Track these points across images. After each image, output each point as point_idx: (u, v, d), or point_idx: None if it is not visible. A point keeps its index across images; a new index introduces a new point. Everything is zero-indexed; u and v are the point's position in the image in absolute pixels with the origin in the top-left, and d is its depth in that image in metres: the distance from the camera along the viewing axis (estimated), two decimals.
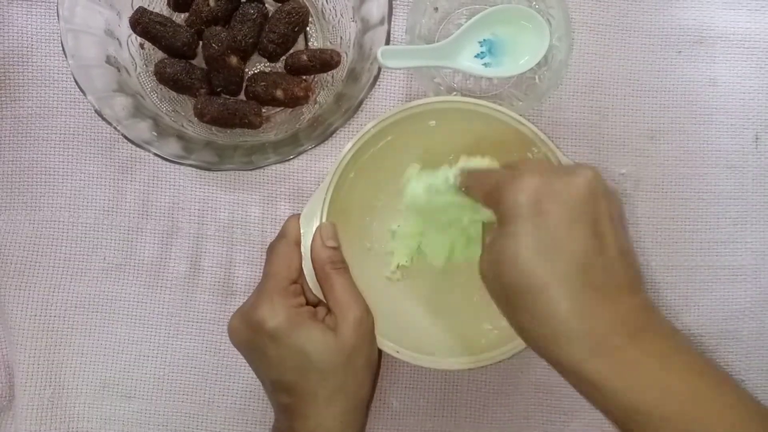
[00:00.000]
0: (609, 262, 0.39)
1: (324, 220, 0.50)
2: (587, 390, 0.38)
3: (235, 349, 0.51)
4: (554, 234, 0.38)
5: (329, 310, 0.50)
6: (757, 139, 0.58)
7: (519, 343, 0.49)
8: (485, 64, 0.53)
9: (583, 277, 0.38)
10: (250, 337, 0.48)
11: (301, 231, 0.51)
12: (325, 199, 0.50)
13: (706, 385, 0.37)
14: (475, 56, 0.53)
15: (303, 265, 0.50)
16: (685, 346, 0.39)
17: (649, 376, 0.37)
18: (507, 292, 0.39)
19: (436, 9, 0.56)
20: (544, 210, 0.38)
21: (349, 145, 0.50)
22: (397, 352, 0.50)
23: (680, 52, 0.57)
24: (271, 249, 0.52)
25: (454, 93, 0.56)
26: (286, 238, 0.51)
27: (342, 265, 0.50)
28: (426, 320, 0.54)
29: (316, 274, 0.50)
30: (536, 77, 0.55)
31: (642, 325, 0.38)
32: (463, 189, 0.46)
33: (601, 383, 0.37)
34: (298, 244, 0.51)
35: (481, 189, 0.43)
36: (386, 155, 0.52)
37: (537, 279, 0.38)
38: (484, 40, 0.53)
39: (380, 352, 0.51)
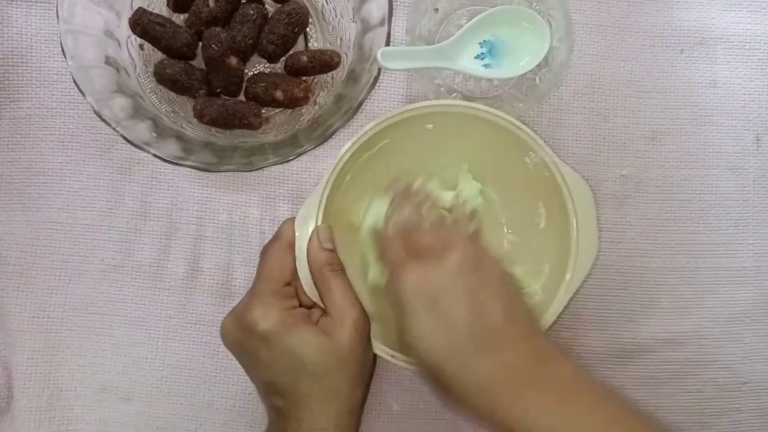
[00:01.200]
0: (492, 321, 0.43)
1: (320, 222, 0.50)
2: None
3: (233, 355, 0.51)
4: (438, 315, 0.43)
5: (324, 313, 0.50)
6: (758, 140, 0.58)
7: None
8: (485, 66, 0.53)
9: (474, 343, 0.42)
10: (243, 338, 0.48)
11: (297, 233, 0.50)
12: (320, 201, 0.50)
13: (603, 420, 0.41)
14: (476, 57, 0.53)
15: (298, 268, 0.50)
16: (584, 383, 0.43)
17: (547, 419, 0.40)
18: (422, 373, 0.45)
19: (437, 10, 0.56)
20: (426, 293, 0.43)
21: (346, 147, 0.50)
22: (392, 356, 0.50)
23: (681, 53, 0.57)
24: (265, 251, 0.51)
25: (455, 94, 0.56)
26: (280, 240, 0.51)
27: (339, 268, 0.50)
28: None
29: (313, 277, 0.50)
30: (537, 78, 0.55)
31: (537, 369, 0.42)
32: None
33: (509, 427, 0.41)
34: (291, 246, 0.51)
35: (381, 257, 0.50)
36: (383, 158, 0.52)
37: (436, 358, 0.43)
38: (485, 41, 0.53)
39: (374, 354, 0.50)
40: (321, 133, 0.50)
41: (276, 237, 0.52)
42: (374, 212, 0.53)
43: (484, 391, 0.42)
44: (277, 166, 0.56)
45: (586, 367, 0.55)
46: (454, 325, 0.43)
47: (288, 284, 0.50)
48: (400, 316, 0.44)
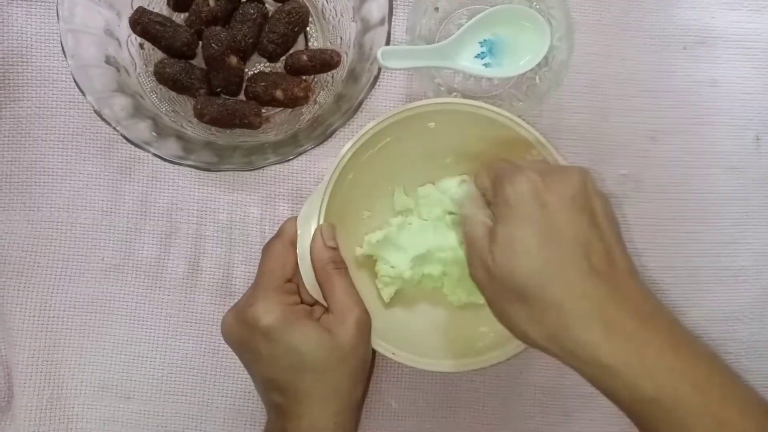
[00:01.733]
0: (609, 248, 0.40)
1: (322, 220, 0.50)
2: (601, 376, 0.38)
3: (232, 350, 0.51)
4: (556, 223, 0.39)
5: (325, 310, 0.50)
6: (758, 139, 0.58)
7: (516, 346, 0.49)
8: (486, 65, 0.53)
9: (588, 262, 0.39)
10: (244, 334, 0.48)
11: (299, 232, 0.50)
12: (323, 199, 0.50)
13: (718, 377, 0.38)
14: (476, 56, 0.53)
15: (300, 266, 0.50)
16: (690, 333, 0.40)
17: (663, 361, 0.37)
18: (518, 286, 0.39)
19: (437, 9, 0.56)
20: (544, 202, 0.40)
21: (348, 146, 0.50)
22: (393, 354, 0.50)
23: (681, 52, 0.57)
24: (267, 248, 0.52)
25: (455, 93, 0.56)
26: (282, 237, 0.51)
27: (343, 266, 0.50)
28: (422, 323, 0.54)
29: (316, 275, 0.50)
30: (537, 78, 0.55)
31: (650, 310, 0.39)
32: (473, 179, 0.47)
33: (618, 368, 0.37)
34: (293, 243, 0.51)
35: (488, 176, 0.44)
36: (385, 156, 0.52)
37: (550, 265, 0.38)
38: (485, 40, 0.53)
39: (374, 352, 0.51)
40: (321, 132, 0.50)
41: (278, 234, 0.52)
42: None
43: (596, 315, 0.37)
44: (277, 165, 0.56)
45: None
46: (571, 240, 0.39)
47: (289, 281, 0.51)
48: (505, 221, 0.40)
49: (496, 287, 0.41)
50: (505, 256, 0.40)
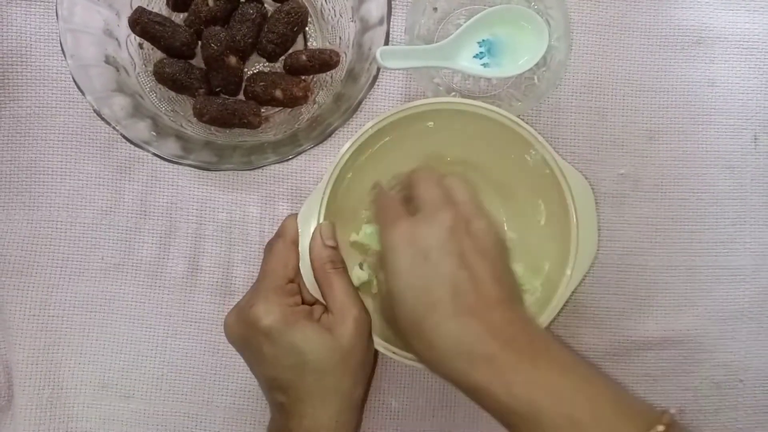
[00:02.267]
0: (478, 286, 0.43)
1: (321, 220, 0.50)
2: (475, 397, 0.42)
3: (233, 348, 0.51)
4: (425, 269, 0.43)
5: (325, 310, 0.50)
6: (755, 139, 0.58)
7: None
8: (484, 65, 0.53)
9: (454, 302, 0.42)
10: (246, 334, 0.49)
11: (299, 230, 0.51)
12: (322, 199, 0.50)
13: (571, 381, 0.41)
14: (474, 56, 0.53)
15: (300, 265, 0.50)
16: (557, 348, 0.43)
17: (520, 376, 0.40)
18: (401, 328, 0.44)
19: (436, 9, 0.56)
20: (414, 253, 0.44)
21: (347, 145, 0.50)
22: (393, 353, 0.50)
23: (679, 52, 0.58)
24: (269, 248, 0.52)
25: (453, 93, 0.56)
26: (284, 237, 0.51)
27: (341, 266, 0.50)
28: None
29: (315, 274, 0.50)
30: (535, 77, 0.55)
31: (513, 334, 0.42)
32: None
33: (483, 388, 0.41)
34: (295, 243, 0.51)
35: (375, 215, 0.50)
36: (384, 156, 0.52)
37: (419, 312, 0.43)
38: (483, 40, 0.53)
39: (376, 351, 0.51)
40: (320, 132, 0.50)
41: (279, 234, 0.52)
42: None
43: (461, 349, 0.42)
44: (276, 165, 0.56)
45: None
46: (439, 282, 0.43)
47: (291, 281, 0.51)
48: (387, 268, 0.45)
49: (389, 324, 0.46)
50: (390, 297, 0.44)
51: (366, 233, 0.53)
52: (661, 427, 0.39)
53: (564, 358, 0.42)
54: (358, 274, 0.52)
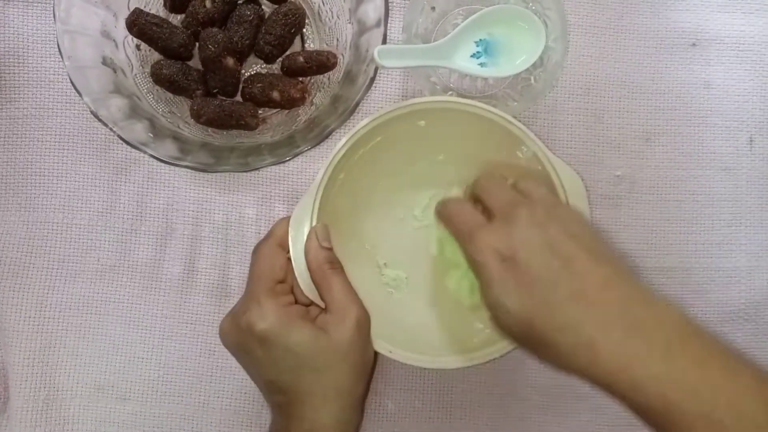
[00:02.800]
0: (578, 269, 0.41)
1: (315, 221, 0.50)
2: (606, 391, 0.39)
3: (232, 356, 0.51)
4: (518, 272, 0.41)
5: (322, 310, 0.50)
6: (751, 141, 0.58)
7: (511, 342, 0.49)
8: (481, 64, 0.53)
9: (557, 294, 0.40)
10: (241, 340, 0.49)
11: (292, 233, 0.50)
12: (315, 200, 0.50)
13: (710, 374, 0.37)
14: (471, 56, 0.53)
15: (295, 267, 0.50)
16: (691, 331, 0.39)
17: (651, 371, 0.37)
18: (514, 337, 0.43)
19: (433, 8, 0.56)
20: (503, 257, 0.42)
21: (339, 146, 0.50)
22: (390, 352, 0.50)
23: (675, 54, 0.58)
24: (255, 251, 0.52)
25: (450, 92, 0.56)
26: (270, 238, 0.51)
27: (339, 266, 0.51)
28: (418, 320, 0.54)
29: (312, 275, 0.50)
30: (532, 78, 0.55)
31: (637, 316, 0.39)
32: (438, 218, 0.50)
33: (610, 383, 0.38)
34: (282, 244, 0.51)
35: (451, 230, 0.48)
36: (376, 156, 0.52)
37: (524, 316, 0.41)
38: (481, 40, 0.53)
39: (376, 352, 0.51)
40: (318, 133, 0.50)
41: (266, 236, 0.52)
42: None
43: (579, 342, 0.39)
44: (273, 166, 0.56)
45: None
46: (536, 279, 0.41)
47: (281, 281, 0.51)
48: (481, 281, 0.43)
49: (513, 338, 0.44)
50: (493, 310, 0.43)
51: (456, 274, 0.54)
52: None
53: (702, 345, 0.39)
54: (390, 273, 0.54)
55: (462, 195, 0.55)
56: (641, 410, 0.38)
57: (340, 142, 0.50)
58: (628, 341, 0.38)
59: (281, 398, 0.48)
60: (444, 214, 0.49)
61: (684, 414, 0.36)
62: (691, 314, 0.57)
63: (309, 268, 0.50)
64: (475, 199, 0.49)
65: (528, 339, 0.41)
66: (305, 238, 0.50)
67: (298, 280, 0.50)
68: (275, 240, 0.51)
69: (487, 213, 0.46)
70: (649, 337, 0.38)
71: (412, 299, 0.55)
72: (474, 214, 0.47)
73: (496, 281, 0.42)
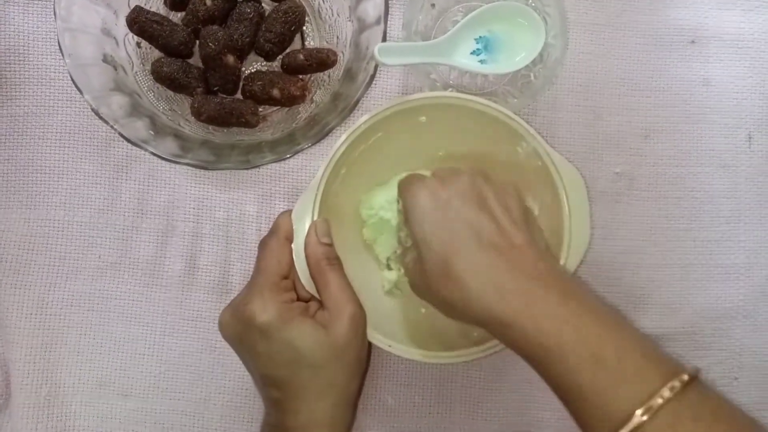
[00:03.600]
0: (500, 227, 0.45)
1: (316, 216, 0.51)
2: (503, 332, 0.42)
3: (230, 347, 0.51)
4: (449, 216, 0.45)
5: (321, 306, 0.50)
6: (750, 138, 0.58)
7: None
8: (481, 61, 0.53)
9: (481, 241, 0.44)
10: (241, 331, 0.49)
11: (293, 227, 0.51)
12: (316, 195, 0.51)
13: (600, 322, 0.41)
14: (471, 53, 0.53)
15: (295, 262, 0.50)
16: (585, 291, 0.44)
17: (549, 310, 0.41)
18: (429, 276, 0.45)
19: (433, 5, 0.56)
20: (438, 198, 0.46)
21: (340, 141, 0.50)
22: (389, 346, 0.50)
23: (674, 51, 0.58)
24: (263, 245, 0.52)
25: (450, 89, 0.56)
26: (277, 234, 0.51)
27: (337, 262, 0.51)
28: (417, 315, 0.54)
29: (310, 270, 0.50)
30: (531, 75, 0.55)
31: (542, 272, 0.43)
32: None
33: (512, 322, 0.41)
34: (289, 239, 0.51)
35: (399, 192, 0.50)
36: (377, 151, 0.53)
37: (446, 253, 0.44)
38: (481, 37, 0.53)
39: (370, 346, 0.51)
40: (318, 131, 0.50)
41: (273, 230, 0.52)
42: (381, 200, 0.54)
43: (490, 282, 0.42)
44: (274, 164, 0.56)
45: None
46: (464, 226, 0.44)
47: (286, 277, 0.51)
48: (414, 219, 0.46)
49: (416, 284, 0.47)
50: (418, 246, 0.45)
51: (375, 205, 0.53)
52: (685, 376, 0.39)
53: (593, 302, 0.43)
54: (388, 276, 0.53)
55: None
56: (535, 347, 0.41)
57: (341, 137, 0.51)
58: (531, 286, 0.42)
59: (276, 392, 0.48)
60: (402, 181, 0.51)
61: (575, 351, 0.40)
62: (688, 312, 0.58)
63: (307, 263, 0.50)
64: None
65: (441, 277, 0.44)
66: (305, 232, 0.51)
67: (299, 274, 0.50)
68: (283, 234, 0.51)
69: None
70: (549, 285, 0.42)
71: (412, 294, 0.55)
72: (421, 176, 0.49)
73: (428, 219, 0.45)
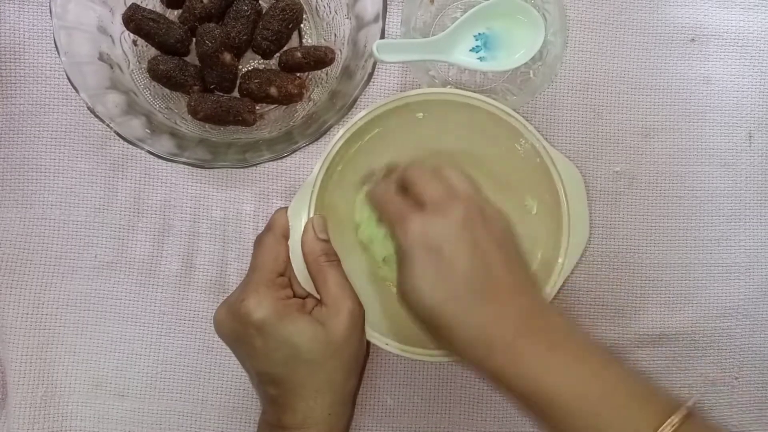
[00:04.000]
0: (494, 275, 0.44)
1: (312, 213, 0.50)
2: (494, 382, 0.44)
3: (226, 344, 0.51)
4: (441, 263, 0.44)
5: (318, 303, 0.50)
6: (750, 137, 0.58)
7: None
8: (480, 58, 0.53)
9: (471, 292, 0.44)
10: (237, 328, 0.48)
11: (290, 225, 0.50)
12: (312, 192, 0.50)
13: (587, 366, 0.42)
14: (471, 50, 0.53)
15: (292, 259, 0.50)
16: (574, 336, 0.44)
17: (536, 362, 0.42)
18: (419, 319, 0.45)
19: (432, 1, 0.56)
20: (429, 245, 0.44)
21: (337, 137, 0.50)
22: (387, 344, 0.50)
23: (674, 49, 0.58)
24: (258, 242, 0.52)
25: (449, 86, 0.56)
26: (273, 230, 0.51)
27: (335, 258, 0.51)
28: None
29: (308, 267, 0.50)
30: (531, 72, 0.55)
31: (530, 321, 0.44)
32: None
33: (500, 375, 0.43)
34: (285, 236, 0.51)
35: (382, 215, 0.50)
36: (373, 148, 0.53)
37: (435, 304, 0.44)
38: (480, 34, 0.53)
39: (368, 343, 0.51)
40: (315, 129, 0.50)
41: (269, 227, 0.52)
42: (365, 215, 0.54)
43: (479, 338, 0.43)
44: (271, 162, 0.56)
45: None
46: (456, 274, 0.44)
47: (281, 274, 0.51)
48: (403, 264, 0.45)
49: (408, 313, 0.46)
50: (408, 293, 0.45)
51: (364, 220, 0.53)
52: (676, 418, 0.39)
53: (581, 345, 0.44)
54: (384, 274, 0.54)
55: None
56: (526, 398, 0.42)
57: (338, 133, 0.50)
58: (519, 341, 0.43)
59: (274, 390, 0.48)
60: (374, 197, 0.51)
61: (563, 398, 0.41)
62: (688, 311, 0.57)
63: (305, 260, 0.50)
64: (403, 186, 0.50)
65: (431, 325, 0.45)
66: (302, 229, 0.50)
67: (295, 271, 0.50)
68: (279, 231, 0.51)
69: (415, 201, 0.48)
70: (537, 337, 0.43)
71: None
72: (402, 202, 0.48)
73: (418, 268, 0.44)
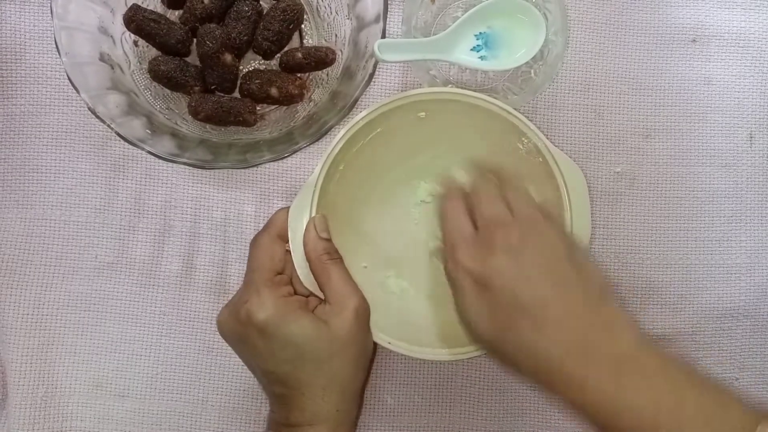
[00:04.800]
0: (544, 299, 0.43)
1: (314, 212, 0.50)
2: (561, 404, 0.43)
3: (228, 347, 0.51)
4: (491, 297, 0.44)
5: (321, 301, 0.50)
6: (751, 137, 0.58)
7: None
8: (481, 58, 0.53)
9: (529, 322, 0.43)
10: (240, 331, 0.48)
11: (291, 225, 0.50)
12: (314, 192, 0.50)
13: (655, 393, 0.41)
14: (472, 49, 0.53)
15: (294, 259, 0.50)
16: (640, 350, 0.43)
17: (600, 397, 0.41)
18: (482, 345, 0.47)
19: (433, 1, 0.56)
20: (476, 280, 0.45)
21: (338, 137, 0.50)
22: (389, 343, 0.50)
23: (675, 50, 0.58)
24: (254, 242, 0.52)
25: (450, 86, 0.56)
26: (269, 230, 0.51)
27: (337, 256, 0.51)
28: (418, 311, 0.54)
29: (311, 266, 0.50)
30: (532, 71, 0.55)
31: (593, 344, 0.43)
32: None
33: (565, 402, 0.43)
34: (280, 235, 0.51)
35: (442, 229, 0.50)
36: (376, 147, 0.52)
37: (494, 335, 0.44)
38: (481, 33, 0.53)
39: (375, 342, 0.51)
40: (316, 130, 0.50)
41: (265, 227, 0.52)
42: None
43: (539, 365, 0.43)
44: (272, 163, 0.56)
45: None
46: (506, 304, 0.44)
47: (280, 273, 0.51)
48: (455, 292, 0.46)
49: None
50: (466, 325, 0.46)
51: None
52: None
53: (650, 365, 0.42)
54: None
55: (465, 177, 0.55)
56: (593, 426, 0.42)
57: (339, 133, 0.50)
58: (579, 368, 0.42)
59: (280, 389, 0.48)
60: (441, 210, 0.50)
61: (630, 423, 0.40)
62: (689, 311, 0.57)
63: (308, 259, 0.50)
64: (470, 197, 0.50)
65: (494, 352, 0.46)
66: (304, 229, 0.50)
67: (297, 271, 0.50)
68: (274, 230, 0.51)
69: (473, 219, 0.48)
70: (600, 360, 0.42)
71: (411, 291, 0.55)
72: (462, 220, 0.48)
73: (469, 302, 0.45)
